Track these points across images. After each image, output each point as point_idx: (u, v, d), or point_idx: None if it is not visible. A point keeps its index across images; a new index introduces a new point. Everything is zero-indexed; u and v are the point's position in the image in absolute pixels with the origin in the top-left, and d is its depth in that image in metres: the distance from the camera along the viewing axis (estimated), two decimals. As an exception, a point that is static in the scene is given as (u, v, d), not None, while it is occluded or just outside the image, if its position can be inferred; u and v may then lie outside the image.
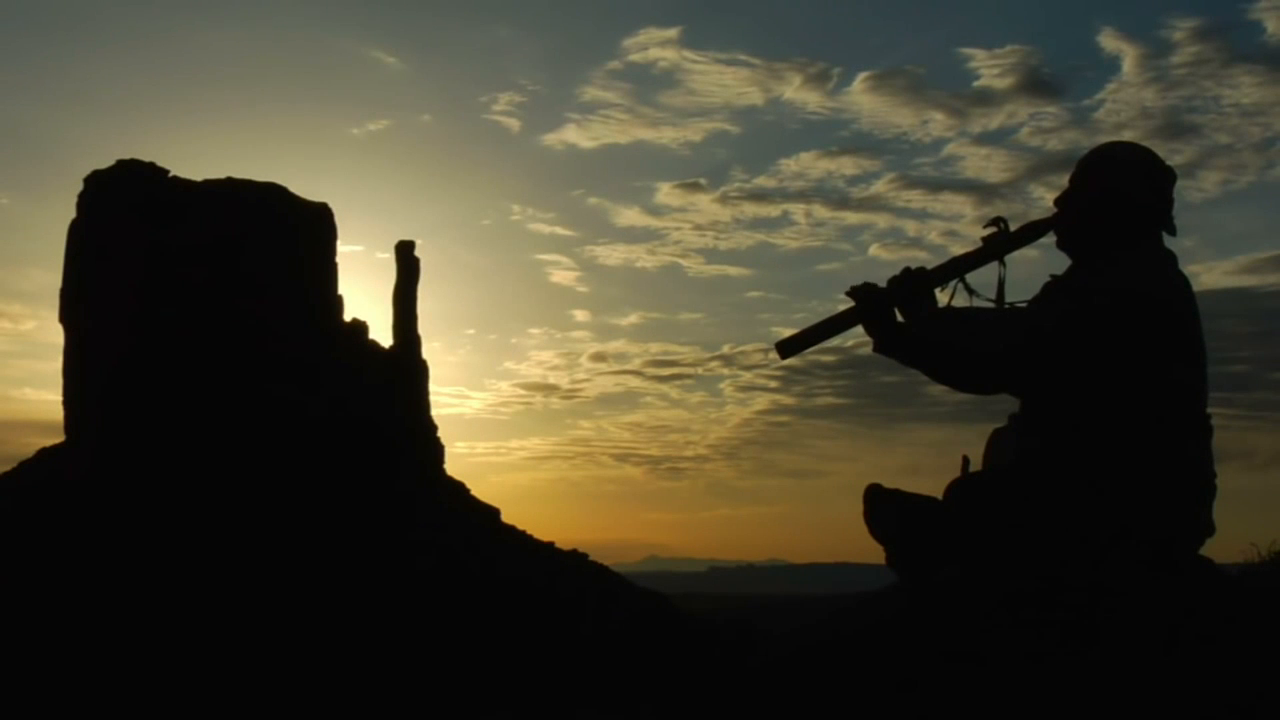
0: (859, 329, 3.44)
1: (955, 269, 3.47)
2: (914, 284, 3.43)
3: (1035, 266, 3.75)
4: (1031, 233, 3.47)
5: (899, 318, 3.42)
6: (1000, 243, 3.46)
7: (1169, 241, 3.39)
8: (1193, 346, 3.26)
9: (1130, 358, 3.17)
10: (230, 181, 66.38)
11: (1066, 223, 3.42)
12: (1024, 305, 3.42)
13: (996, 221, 3.49)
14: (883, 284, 3.44)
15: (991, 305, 3.45)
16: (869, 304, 3.40)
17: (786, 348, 3.49)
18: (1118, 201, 3.34)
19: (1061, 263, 3.47)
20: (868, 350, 3.45)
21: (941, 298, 3.46)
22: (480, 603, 52.98)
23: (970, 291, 3.47)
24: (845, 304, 3.45)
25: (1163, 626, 3.06)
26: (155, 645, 45.53)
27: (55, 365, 64.75)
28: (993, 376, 3.30)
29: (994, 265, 3.47)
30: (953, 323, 3.36)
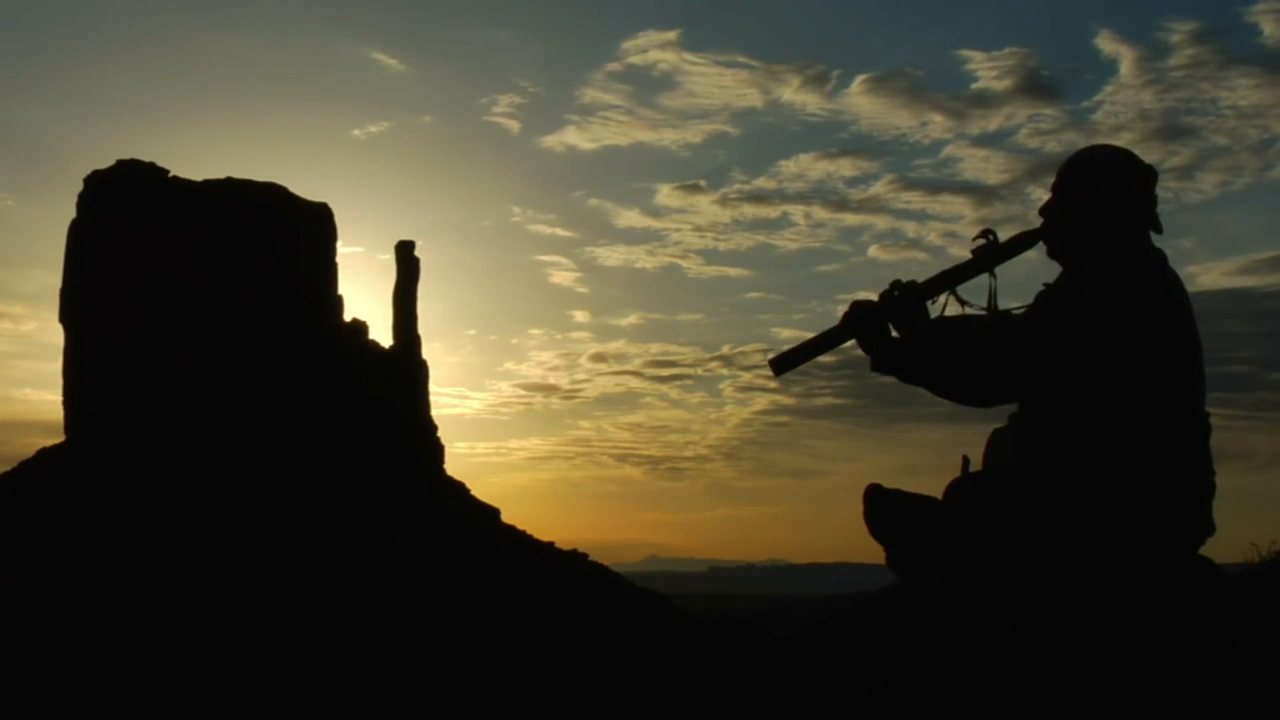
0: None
1: (946, 281, 3.48)
2: (905, 297, 3.44)
3: (1032, 270, 3.76)
4: (1020, 243, 3.48)
5: (892, 332, 3.43)
6: (989, 254, 3.48)
7: (1164, 240, 3.40)
8: (1187, 343, 3.26)
9: (1125, 356, 3.17)
10: (230, 181, 66.39)
11: (1053, 229, 3.43)
12: (1019, 310, 3.42)
13: (985, 233, 3.51)
14: (882, 287, 3.45)
15: (984, 315, 3.45)
16: (861, 319, 3.41)
17: (780, 365, 3.49)
18: (1101, 203, 3.35)
19: (1054, 271, 3.48)
20: (862, 352, 3.45)
21: (933, 310, 3.46)
22: (480, 603, 52.96)
23: (962, 302, 3.47)
24: (844, 306, 3.46)
25: (1162, 626, 3.06)
26: (156, 644, 45.52)
27: (55, 365, 64.83)
28: (993, 384, 3.30)
29: (985, 276, 3.48)
30: (946, 334, 3.36)
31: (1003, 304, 3.47)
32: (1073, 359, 3.19)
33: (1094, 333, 3.17)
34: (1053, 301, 3.29)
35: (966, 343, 3.31)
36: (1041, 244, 3.48)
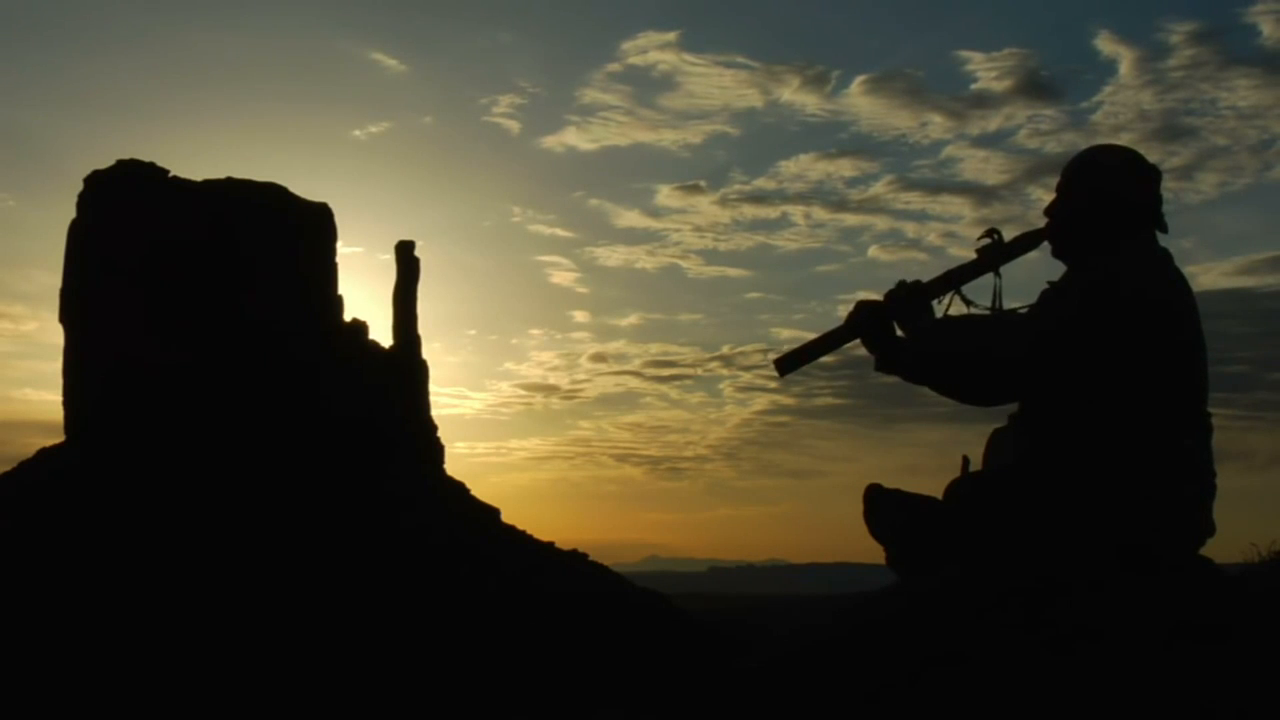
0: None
1: (951, 281, 3.48)
2: (910, 297, 3.44)
3: (1036, 270, 3.76)
4: (1025, 243, 3.48)
5: (897, 332, 3.43)
6: (994, 254, 3.48)
7: (1163, 239, 3.40)
8: (1191, 343, 3.26)
9: (1129, 356, 3.17)
10: (230, 181, 66.40)
11: (1058, 229, 3.43)
12: (1023, 311, 3.42)
13: (990, 232, 3.51)
14: (882, 287, 3.45)
15: (989, 314, 3.45)
16: (866, 319, 3.41)
17: (785, 365, 3.49)
18: (1107, 203, 3.35)
19: (1058, 271, 3.48)
20: (867, 352, 3.45)
21: (938, 310, 3.47)
22: (480, 603, 52.97)
23: (967, 302, 3.47)
24: (844, 306, 3.48)
25: (1163, 626, 3.06)
26: (155, 644, 45.52)
27: (55, 365, 64.85)
28: (999, 383, 3.29)
29: (989, 276, 3.48)
30: (952, 333, 3.36)
31: (1007, 304, 3.47)
32: (1080, 359, 3.19)
33: (1104, 333, 3.17)
34: (1060, 301, 3.29)
35: (972, 343, 3.31)
36: (1046, 243, 3.48)
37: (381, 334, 71.55)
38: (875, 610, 3.61)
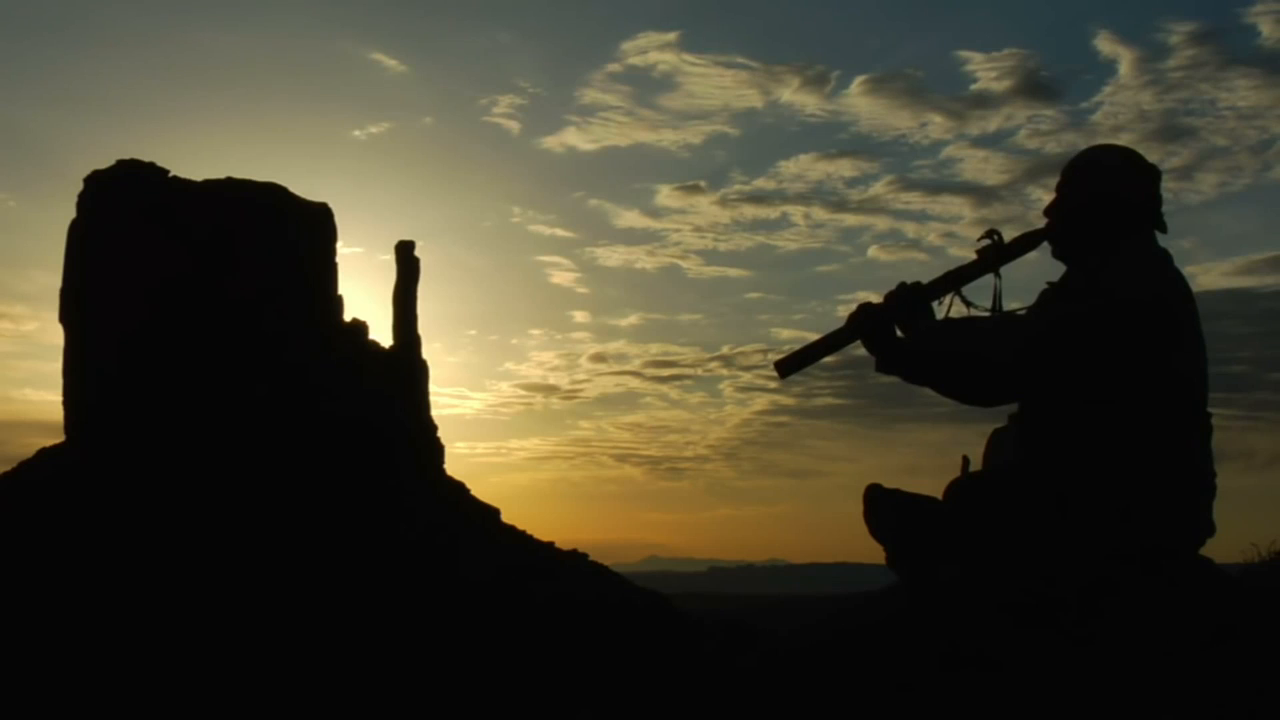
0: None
1: (951, 282, 3.48)
2: (910, 299, 3.43)
3: (1035, 271, 3.75)
4: (1025, 244, 3.48)
5: (898, 333, 3.43)
6: (994, 254, 3.47)
7: (1163, 240, 3.40)
8: (1191, 344, 3.26)
9: (1129, 356, 3.17)
10: (230, 181, 66.35)
11: (1058, 230, 3.43)
12: (1023, 312, 3.42)
13: (990, 233, 3.51)
14: (882, 287, 3.45)
15: (989, 315, 3.45)
16: (866, 321, 3.41)
17: (786, 367, 3.49)
18: (1106, 203, 3.35)
19: (1058, 271, 3.48)
20: (868, 353, 3.45)
21: (938, 311, 3.46)
22: (480, 603, 52.96)
23: (967, 303, 3.47)
24: (844, 306, 3.47)
25: (1162, 627, 3.06)
26: (155, 644, 45.51)
27: (55, 365, 64.81)
28: (1002, 384, 3.29)
29: (989, 277, 3.48)
30: (952, 334, 3.36)
31: (1007, 304, 3.47)
32: (1080, 359, 3.18)
33: (1104, 333, 3.17)
34: (1058, 304, 3.29)
35: (974, 343, 3.31)
36: (1046, 243, 3.48)
37: (381, 334, 71.58)
38: (875, 610, 3.61)
